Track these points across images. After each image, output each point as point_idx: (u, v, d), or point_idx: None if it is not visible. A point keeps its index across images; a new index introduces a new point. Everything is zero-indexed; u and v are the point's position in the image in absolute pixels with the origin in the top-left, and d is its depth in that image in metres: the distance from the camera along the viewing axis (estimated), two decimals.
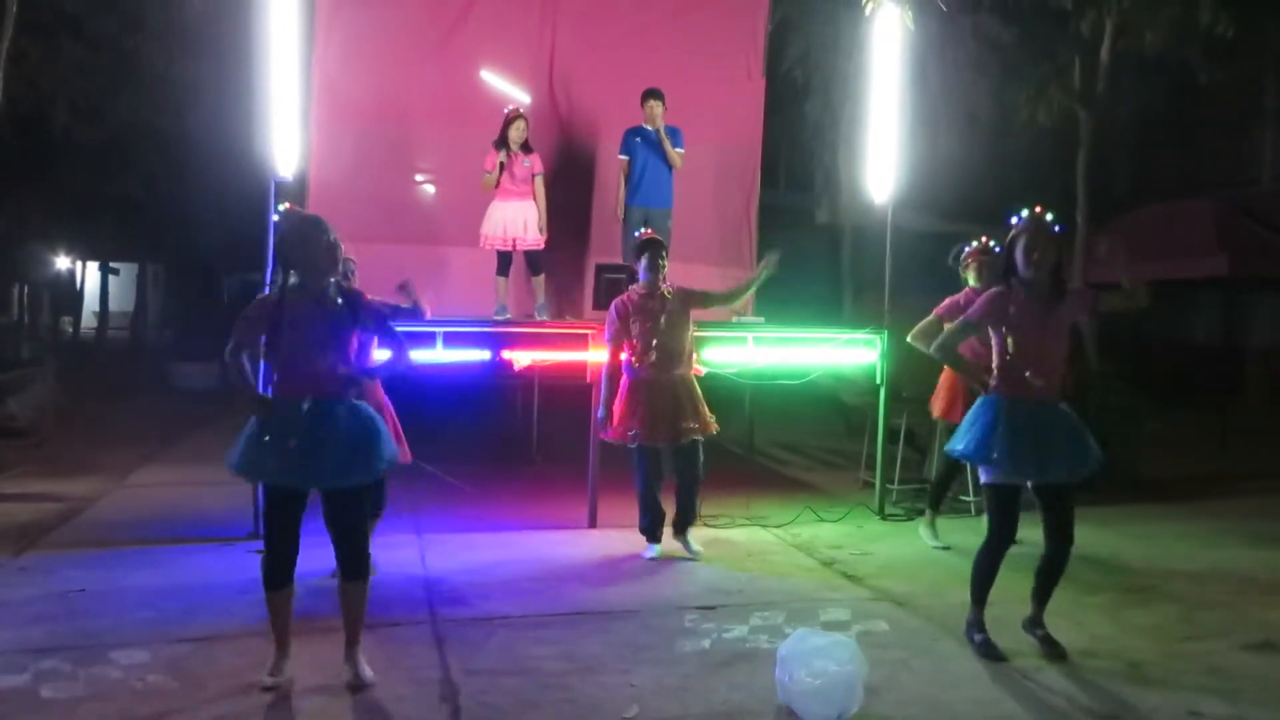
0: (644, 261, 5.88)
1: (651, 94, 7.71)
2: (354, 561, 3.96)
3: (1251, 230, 13.55)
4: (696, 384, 6.03)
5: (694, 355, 6.17)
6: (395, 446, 4.09)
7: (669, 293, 5.84)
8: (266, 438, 3.78)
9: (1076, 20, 10.43)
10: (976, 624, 4.43)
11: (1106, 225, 12.84)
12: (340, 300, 3.92)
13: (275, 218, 3.95)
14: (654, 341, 5.80)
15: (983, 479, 4.40)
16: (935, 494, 6.60)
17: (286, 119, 6.61)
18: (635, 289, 5.97)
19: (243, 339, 3.94)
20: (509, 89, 8.42)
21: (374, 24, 8.03)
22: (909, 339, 5.95)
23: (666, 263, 5.92)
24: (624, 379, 5.93)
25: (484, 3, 8.20)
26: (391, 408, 5.37)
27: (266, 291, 3.93)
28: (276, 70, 6.55)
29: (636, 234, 6.22)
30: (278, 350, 3.87)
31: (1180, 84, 11.93)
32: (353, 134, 8.00)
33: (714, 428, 5.97)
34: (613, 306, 5.97)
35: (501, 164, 7.44)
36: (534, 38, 8.50)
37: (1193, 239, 12.91)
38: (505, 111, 7.54)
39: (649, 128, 7.75)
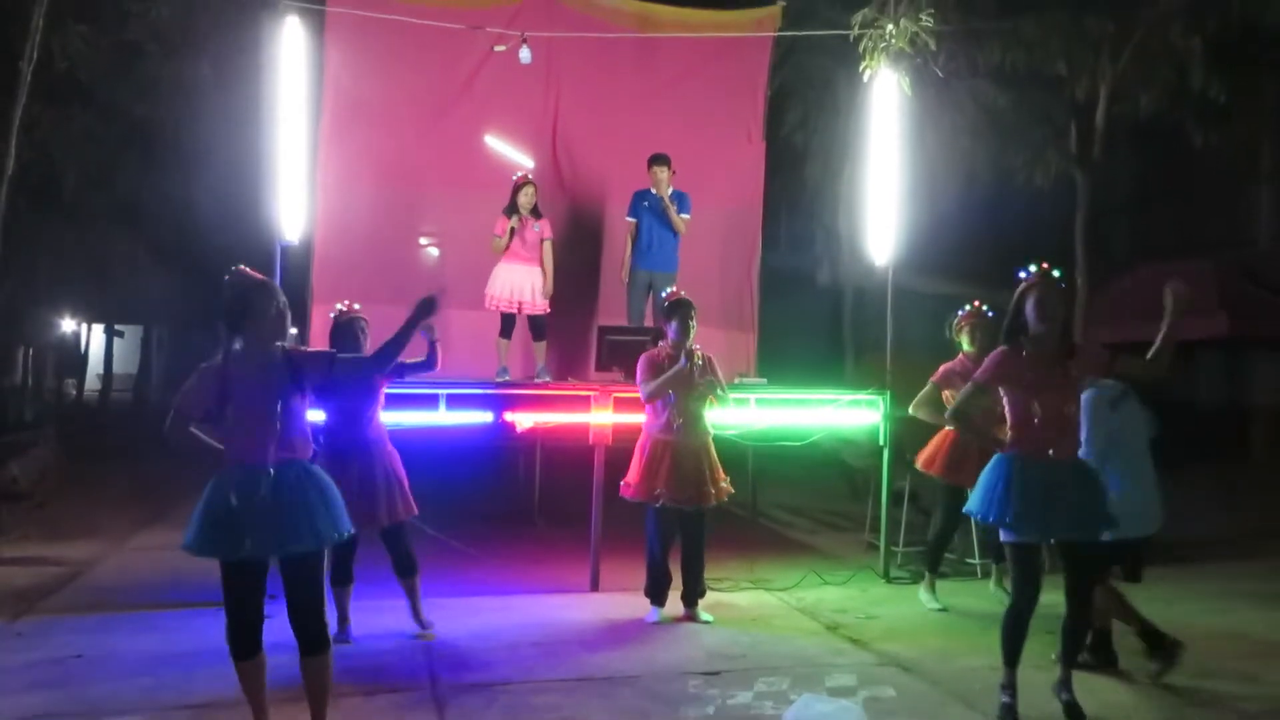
0: (674, 323, 5.80)
1: (657, 159, 7.82)
2: (313, 632, 3.83)
3: (1250, 291, 13.61)
4: (714, 449, 5.97)
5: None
6: (345, 518, 3.90)
7: (699, 357, 5.74)
8: (216, 510, 3.67)
9: (1071, 85, 10.56)
10: (1008, 686, 4.34)
11: (1105, 286, 12.90)
12: (287, 365, 3.80)
13: (226, 278, 3.84)
14: (684, 405, 5.75)
15: (1002, 538, 4.36)
16: (932, 556, 6.57)
17: (293, 183, 6.71)
18: (664, 348, 5.87)
19: (184, 411, 3.78)
20: (513, 154, 8.56)
21: (380, 91, 8.17)
22: (911, 410, 5.98)
23: (695, 324, 5.84)
24: (645, 438, 5.86)
25: (488, 70, 8.32)
26: (399, 461, 5.40)
27: (205, 363, 3.83)
28: (283, 135, 6.68)
29: (664, 294, 6.13)
30: (224, 420, 3.75)
31: (1176, 146, 12.02)
32: (358, 198, 8.12)
33: (730, 491, 5.94)
34: (646, 358, 5.83)
35: (513, 230, 7.51)
36: (538, 104, 8.67)
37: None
38: (514, 178, 7.64)
39: (654, 193, 7.83)
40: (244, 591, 3.77)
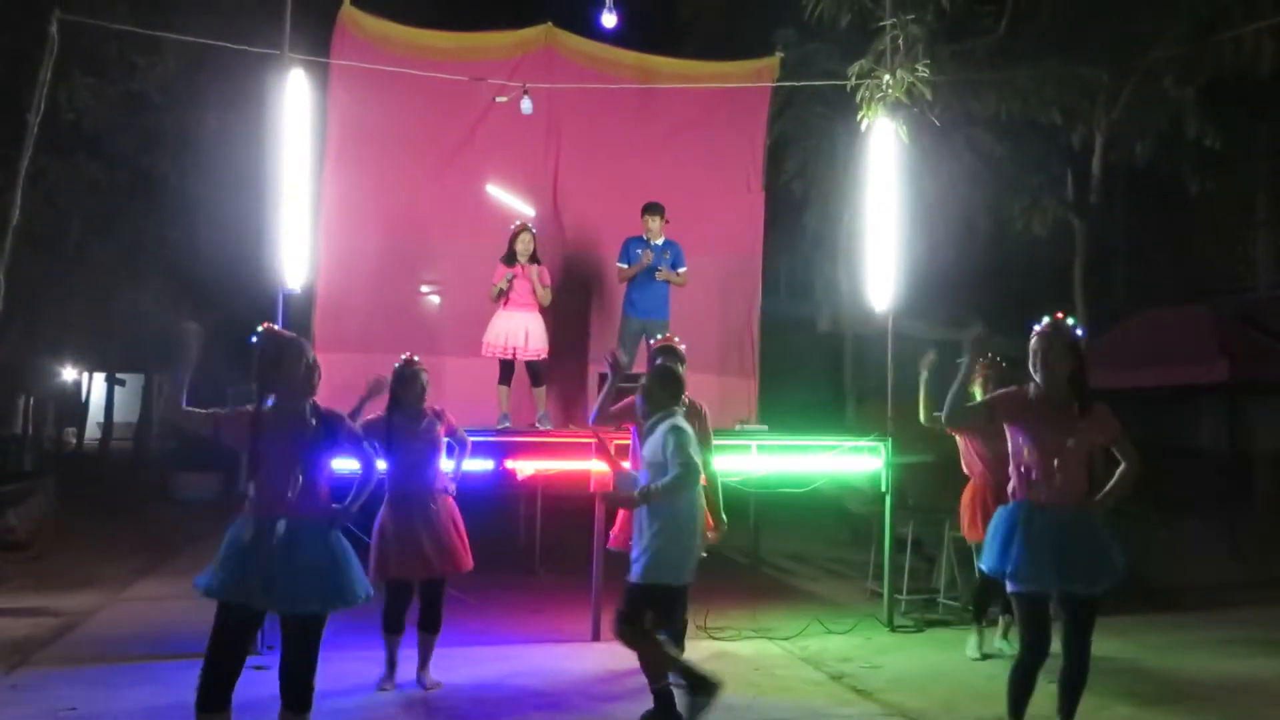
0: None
1: (650, 209, 7.86)
2: (299, 691, 3.83)
3: (1250, 336, 13.62)
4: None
5: None
6: (366, 582, 3.98)
7: (687, 401, 5.58)
8: (237, 553, 3.73)
9: (1067, 133, 10.65)
10: None
11: (1104, 332, 12.92)
12: (316, 421, 3.90)
13: (254, 338, 3.97)
14: None
15: (1009, 588, 4.31)
16: (977, 606, 6.47)
17: (295, 231, 6.75)
18: None
19: (203, 420, 3.91)
20: (514, 202, 8.63)
21: (382, 140, 8.23)
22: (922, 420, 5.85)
23: (684, 371, 5.66)
24: None
25: (490, 121, 8.40)
26: (458, 513, 5.55)
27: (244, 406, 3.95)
28: (286, 184, 6.72)
29: (652, 341, 6.07)
30: (255, 467, 3.84)
31: (1173, 192, 12.07)
32: (360, 245, 8.16)
33: (723, 530, 5.71)
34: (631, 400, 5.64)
35: (511, 279, 7.53)
36: (538, 154, 8.73)
37: (1192, 345, 12.96)
38: (512, 227, 7.68)
39: (646, 239, 7.88)
40: (233, 641, 3.77)
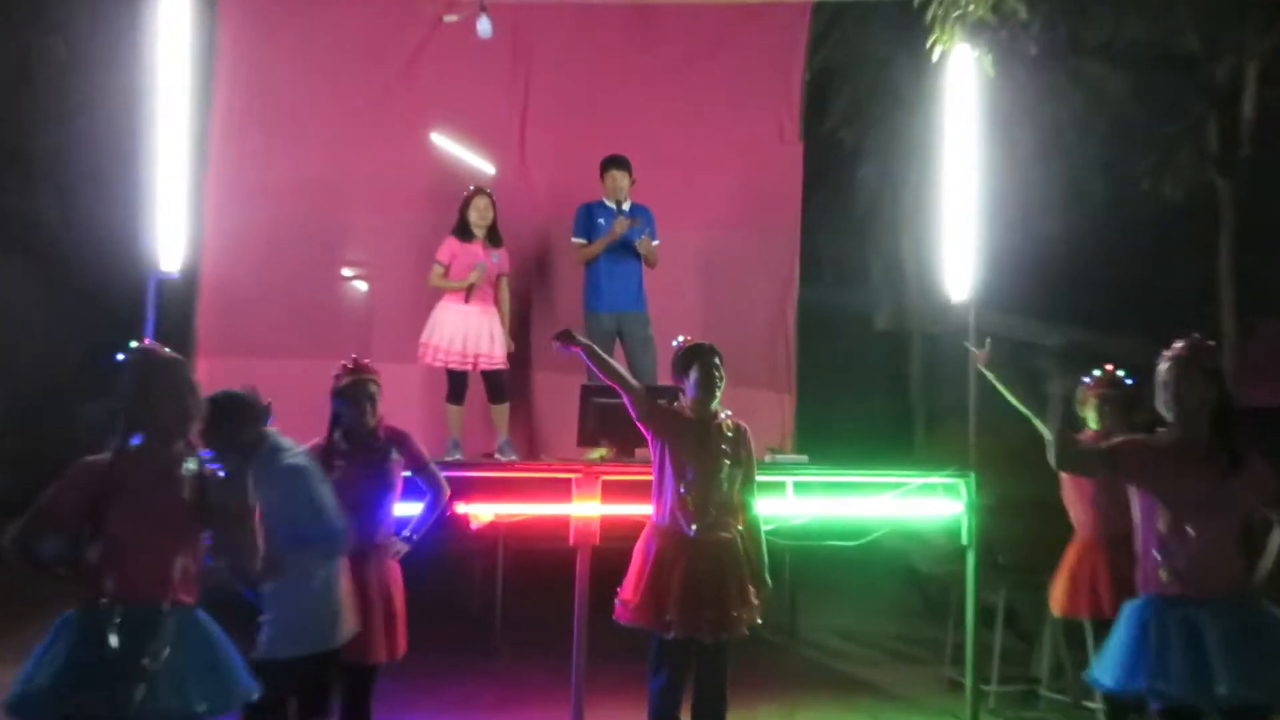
0: (694, 376, 5.61)
1: (613, 163, 7.97)
2: None
3: None
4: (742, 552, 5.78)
5: None
6: (250, 681, 4.03)
7: (729, 426, 5.64)
8: (81, 663, 3.68)
9: (1208, 66, 10.62)
10: None
11: (1260, 330, 12.86)
12: (197, 471, 3.90)
13: (123, 356, 4.00)
14: (706, 487, 5.54)
15: (1103, 683, 4.36)
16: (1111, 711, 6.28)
17: (173, 199, 6.74)
18: (682, 410, 5.72)
19: (42, 523, 3.83)
20: (467, 158, 8.62)
21: (291, 80, 8.28)
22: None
23: (723, 377, 5.67)
24: (649, 537, 5.66)
25: (435, 48, 8.45)
26: (401, 584, 5.59)
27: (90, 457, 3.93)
28: (161, 139, 6.73)
29: (676, 342, 5.98)
30: (102, 540, 3.79)
31: None
32: (260, 217, 8.17)
33: (767, 593, 5.75)
34: (672, 406, 5.73)
35: (484, 269, 7.60)
36: (500, 93, 8.71)
37: None
38: (466, 192, 7.73)
39: (610, 205, 7.94)
40: None
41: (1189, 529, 4.19)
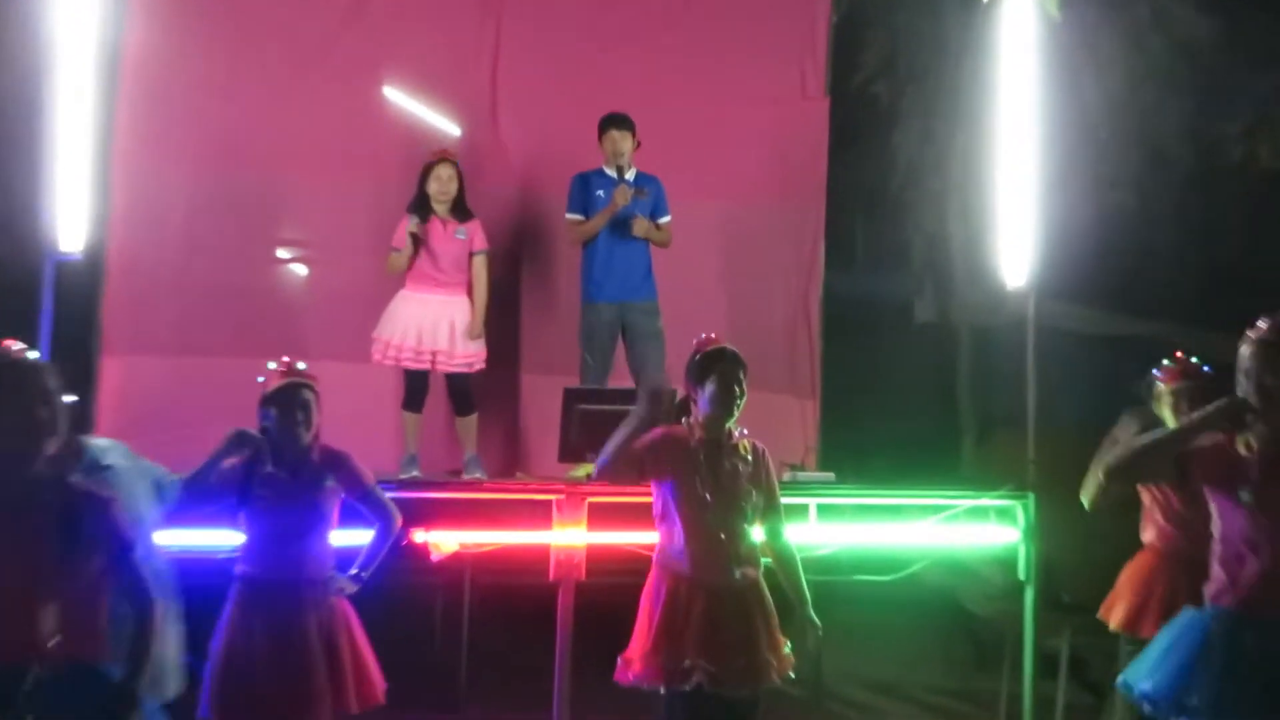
0: (710, 389, 5.30)
1: (613, 122, 7.83)
2: None
3: None
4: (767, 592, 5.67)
5: None
6: None
7: (747, 448, 5.35)
8: None
9: None
10: None
11: None
12: (52, 501, 3.80)
13: None
14: (724, 516, 5.29)
15: (1147, 709, 4.32)
16: None
17: (74, 168, 6.64)
18: (693, 426, 5.43)
19: None
20: (427, 116, 8.60)
21: (216, 23, 8.15)
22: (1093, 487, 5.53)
23: (744, 391, 5.39)
24: (659, 584, 5.39)
25: None
26: (357, 619, 5.45)
27: None
28: (61, 93, 6.61)
29: (695, 340, 5.78)
30: None
31: None
32: (177, 190, 8.11)
33: (817, 636, 5.54)
34: (665, 433, 5.40)
35: (414, 235, 7.52)
36: (468, 37, 8.68)
37: None
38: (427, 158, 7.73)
39: (610, 173, 7.75)
40: None
41: (1273, 541, 4.15)
